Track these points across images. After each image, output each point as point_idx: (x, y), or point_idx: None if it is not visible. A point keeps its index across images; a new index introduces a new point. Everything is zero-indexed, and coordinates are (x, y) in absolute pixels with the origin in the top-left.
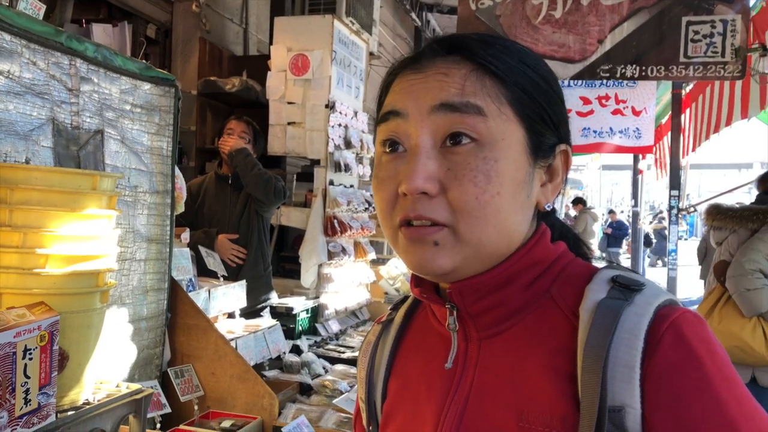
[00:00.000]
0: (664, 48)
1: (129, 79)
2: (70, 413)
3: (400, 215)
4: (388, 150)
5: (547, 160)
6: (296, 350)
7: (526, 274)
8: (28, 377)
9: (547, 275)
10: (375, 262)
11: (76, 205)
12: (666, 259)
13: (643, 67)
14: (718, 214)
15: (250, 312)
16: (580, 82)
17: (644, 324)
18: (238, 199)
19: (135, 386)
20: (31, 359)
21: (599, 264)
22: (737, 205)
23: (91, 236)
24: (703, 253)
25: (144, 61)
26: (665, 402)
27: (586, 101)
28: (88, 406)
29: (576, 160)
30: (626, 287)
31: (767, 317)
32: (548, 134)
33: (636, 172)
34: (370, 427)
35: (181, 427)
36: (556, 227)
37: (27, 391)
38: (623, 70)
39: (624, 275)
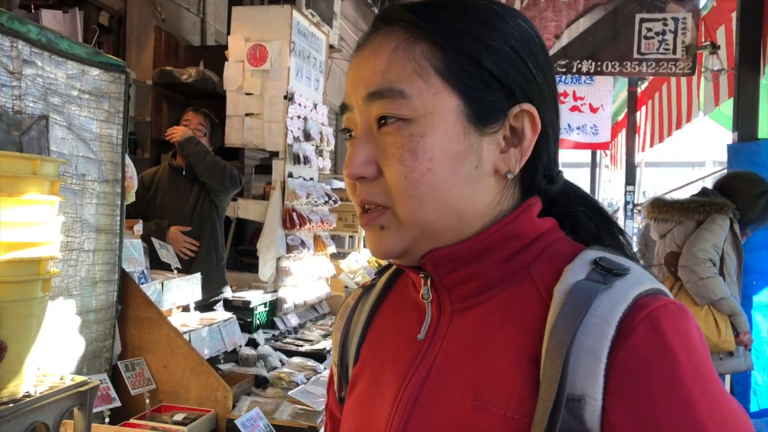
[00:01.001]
0: (619, 44)
1: (76, 64)
2: (9, 406)
3: (356, 201)
4: (347, 137)
5: (496, 124)
6: (253, 343)
7: (504, 248)
8: None
9: (529, 251)
10: (335, 256)
11: (15, 189)
12: None
13: (599, 63)
14: (663, 207)
15: (204, 306)
16: None
17: (619, 311)
18: (191, 191)
19: (80, 378)
20: None
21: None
22: (681, 198)
23: (31, 222)
24: (644, 245)
25: (98, 48)
26: (629, 397)
27: None
28: (28, 399)
29: None
30: (608, 271)
31: (717, 305)
32: (493, 97)
33: (594, 168)
34: (342, 393)
35: (132, 421)
36: (571, 199)
37: None
38: (579, 66)
39: (609, 257)
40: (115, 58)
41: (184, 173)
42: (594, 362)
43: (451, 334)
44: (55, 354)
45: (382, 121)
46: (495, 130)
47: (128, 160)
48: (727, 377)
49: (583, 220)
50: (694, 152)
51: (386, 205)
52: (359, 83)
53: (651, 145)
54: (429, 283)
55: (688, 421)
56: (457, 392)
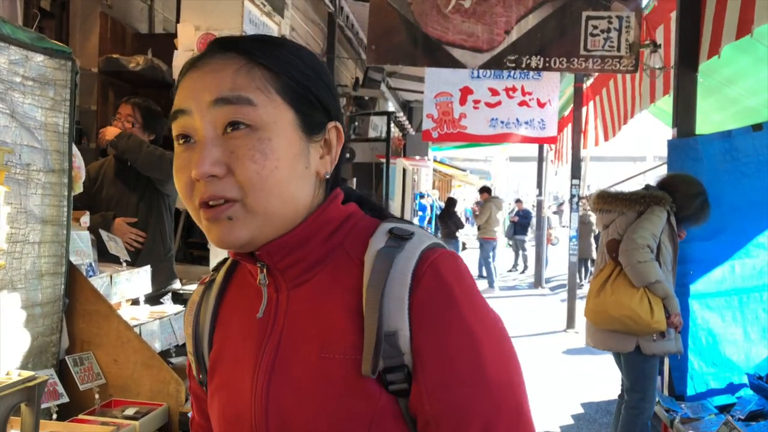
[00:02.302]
0: (566, 41)
1: (19, 49)
2: None
3: (198, 198)
4: (181, 142)
5: (320, 135)
6: None
7: (322, 232)
8: None
9: (340, 231)
10: None
11: None
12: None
13: (547, 59)
14: (608, 198)
15: (152, 298)
16: (488, 73)
17: (411, 265)
18: (137, 182)
19: (27, 373)
20: None
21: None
22: (624, 191)
23: None
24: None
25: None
26: (424, 322)
27: (494, 92)
28: None
29: (484, 151)
30: (399, 237)
31: (652, 288)
32: (317, 114)
33: (541, 162)
34: (201, 376)
35: (81, 416)
36: (352, 194)
37: None
38: (528, 61)
39: (399, 227)
40: (60, 44)
41: (129, 164)
42: (400, 304)
43: (291, 307)
44: None
45: (231, 127)
46: (318, 139)
47: (75, 150)
48: (666, 362)
49: (368, 202)
50: (635, 147)
51: (236, 199)
52: (203, 91)
53: (606, 139)
54: (265, 270)
55: (462, 329)
56: (306, 350)
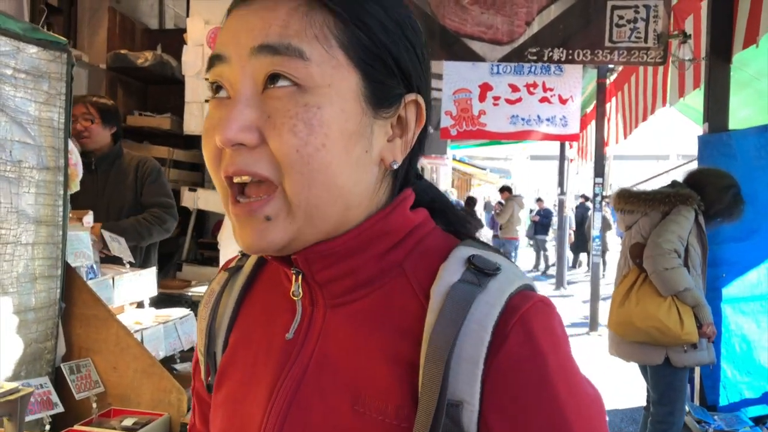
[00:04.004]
0: (591, 32)
1: (9, 40)
2: None
3: (223, 172)
4: (215, 95)
5: (391, 110)
6: None
7: (380, 243)
8: None
9: (403, 246)
10: None
11: None
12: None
13: (570, 51)
14: (629, 198)
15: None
16: (508, 69)
17: (494, 315)
18: (105, 185)
19: (10, 385)
20: None
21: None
22: (647, 190)
23: None
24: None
25: (47, 30)
26: (503, 399)
27: (514, 89)
28: None
29: (504, 150)
30: (481, 271)
31: (681, 297)
32: (392, 82)
33: (562, 160)
34: (209, 379)
35: (76, 427)
36: (426, 193)
37: None
38: (550, 53)
39: (480, 255)
40: (55, 35)
41: (93, 167)
42: (472, 369)
43: (326, 332)
44: None
45: (272, 83)
46: (388, 115)
47: (72, 146)
48: (697, 370)
49: (449, 210)
50: (658, 145)
51: (271, 179)
52: (245, 33)
53: (625, 137)
54: (300, 279)
55: (553, 416)
56: (336, 395)
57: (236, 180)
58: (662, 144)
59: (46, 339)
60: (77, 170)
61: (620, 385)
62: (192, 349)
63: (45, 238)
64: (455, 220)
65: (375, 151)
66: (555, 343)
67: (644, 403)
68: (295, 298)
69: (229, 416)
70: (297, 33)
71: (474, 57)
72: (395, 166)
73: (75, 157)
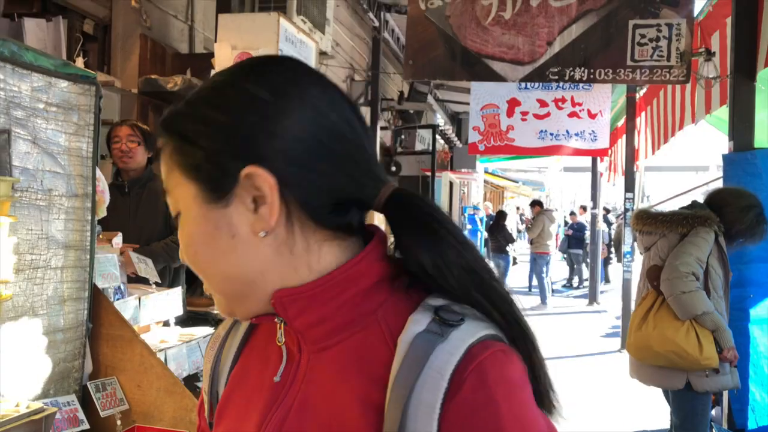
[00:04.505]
0: (612, 51)
1: (42, 76)
2: None
3: None
4: None
5: (232, 194)
6: None
7: (346, 292)
8: None
9: (374, 295)
10: None
11: None
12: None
13: (591, 70)
14: (647, 219)
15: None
16: (536, 84)
17: (453, 363)
18: (137, 209)
19: (36, 405)
20: None
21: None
22: (665, 210)
23: None
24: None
25: (82, 58)
26: None
27: (543, 104)
28: None
29: (537, 162)
30: (445, 321)
31: (700, 320)
32: (218, 170)
33: (595, 174)
34: (211, 419)
35: None
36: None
37: None
38: (572, 73)
39: (448, 306)
40: (85, 69)
41: (126, 190)
42: (429, 413)
43: (309, 376)
44: (20, 376)
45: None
46: (230, 200)
47: (99, 174)
48: (725, 393)
49: (422, 254)
50: (697, 156)
51: None
52: None
53: (653, 152)
54: (283, 327)
55: None
56: None
57: None
58: (701, 155)
59: (74, 358)
60: (104, 197)
61: (650, 404)
62: None
63: (73, 261)
64: (424, 264)
65: (244, 231)
66: (509, 390)
67: (668, 429)
68: (279, 344)
69: None
70: (166, 175)
71: (495, 77)
72: (263, 235)
73: (102, 184)
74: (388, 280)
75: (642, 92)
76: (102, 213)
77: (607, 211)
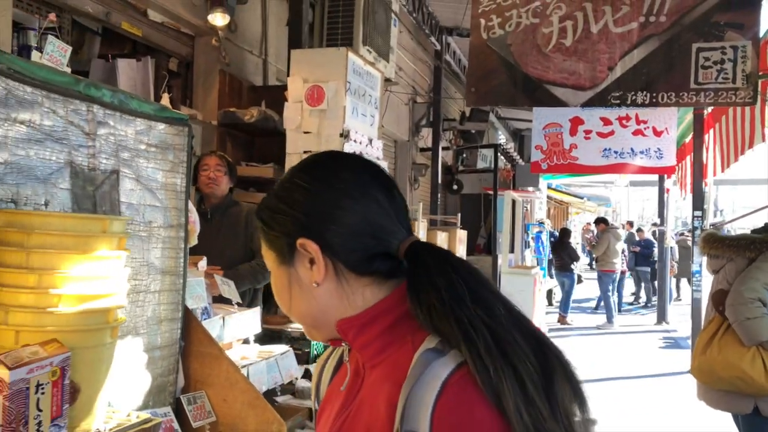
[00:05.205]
0: (675, 75)
1: (144, 121)
2: None
3: None
4: None
5: (294, 257)
6: (309, 375)
7: (382, 320)
8: (40, 410)
9: (407, 323)
10: None
11: (88, 247)
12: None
13: (654, 94)
14: (714, 243)
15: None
16: None
17: (446, 371)
18: (218, 234)
19: (144, 415)
20: (43, 393)
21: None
22: (734, 234)
23: (101, 276)
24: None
25: (167, 94)
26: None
27: (606, 122)
28: None
29: (604, 176)
30: (449, 343)
31: (767, 346)
32: (283, 245)
33: (662, 191)
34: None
35: None
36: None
37: (39, 424)
38: (634, 97)
39: None
40: (179, 112)
41: (209, 216)
42: (424, 408)
43: (364, 385)
44: (124, 389)
45: None
46: (296, 260)
47: (191, 206)
48: None
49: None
50: None
51: None
52: None
53: (722, 170)
54: (347, 349)
55: None
56: (360, 427)
57: None
58: None
59: (169, 373)
60: (195, 227)
61: (718, 429)
62: (291, 383)
63: (169, 285)
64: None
65: (306, 281)
66: (478, 398)
67: None
68: (345, 362)
69: None
70: (261, 246)
71: (556, 102)
72: (315, 285)
73: (194, 215)
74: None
75: (710, 109)
76: (194, 241)
77: (656, 225)
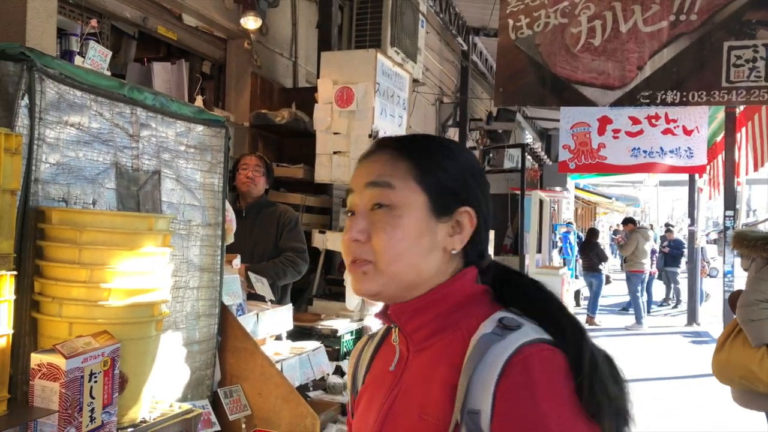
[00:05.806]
0: (706, 73)
1: (183, 123)
2: (129, 430)
3: (349, 257)
4: (349, 215)
5: (449, 218)
6: (339, 371)
7: (441, 304)
8: (93, 398)
9: (461, 311)
10: None
11: (135, 243)
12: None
13: (684, 93)
14: (743, 242)
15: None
16: None
17: (506, 355)
18: (251, 232)
19: (186, 406)
20: (96, 382)
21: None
22: (764, 232)
23: (147, 271)
24: None
25: (201, 96)
26: (504, 412)
27: (635, 121)
28: (144, 424)
29: (632, 176)
30: (506, 327)
31: None
32: (448, 200)
33: (692, 190)
34: (352, 407)
35: None
36: (491, 271)
37: (92, 410)
38: (663, 96)
39: (510, 317)
40: (216, 114)
41: (244, 215)
42: (487, 388)
43: (410, 368)
44: (165, 382)
45: (376, 206)
46: (446, 220)
47: (227, 205)
48: None
49: (511, 281)
50: None
51: (370, 260)
52: (362, 177)
53: (755, 169)
54: (397, 331)
55: (539, 428)
56: (411, 409)
57: (355, 260)
58: None
59: (207, 367)
60: (232, 225)
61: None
62: (323, 379)
63: (207, 282)
64: (512, 291)
65: (439, 243)
66: (549, 379)
67: None
68: (394, 343)
69: (358, 424)
70: (389, 174)
71: (585, 102)
72: (454, 252)
73: (230, 214)
74: (470, 300)
75: (742, 107)
76: (230, 239)
77: (668, 227)
